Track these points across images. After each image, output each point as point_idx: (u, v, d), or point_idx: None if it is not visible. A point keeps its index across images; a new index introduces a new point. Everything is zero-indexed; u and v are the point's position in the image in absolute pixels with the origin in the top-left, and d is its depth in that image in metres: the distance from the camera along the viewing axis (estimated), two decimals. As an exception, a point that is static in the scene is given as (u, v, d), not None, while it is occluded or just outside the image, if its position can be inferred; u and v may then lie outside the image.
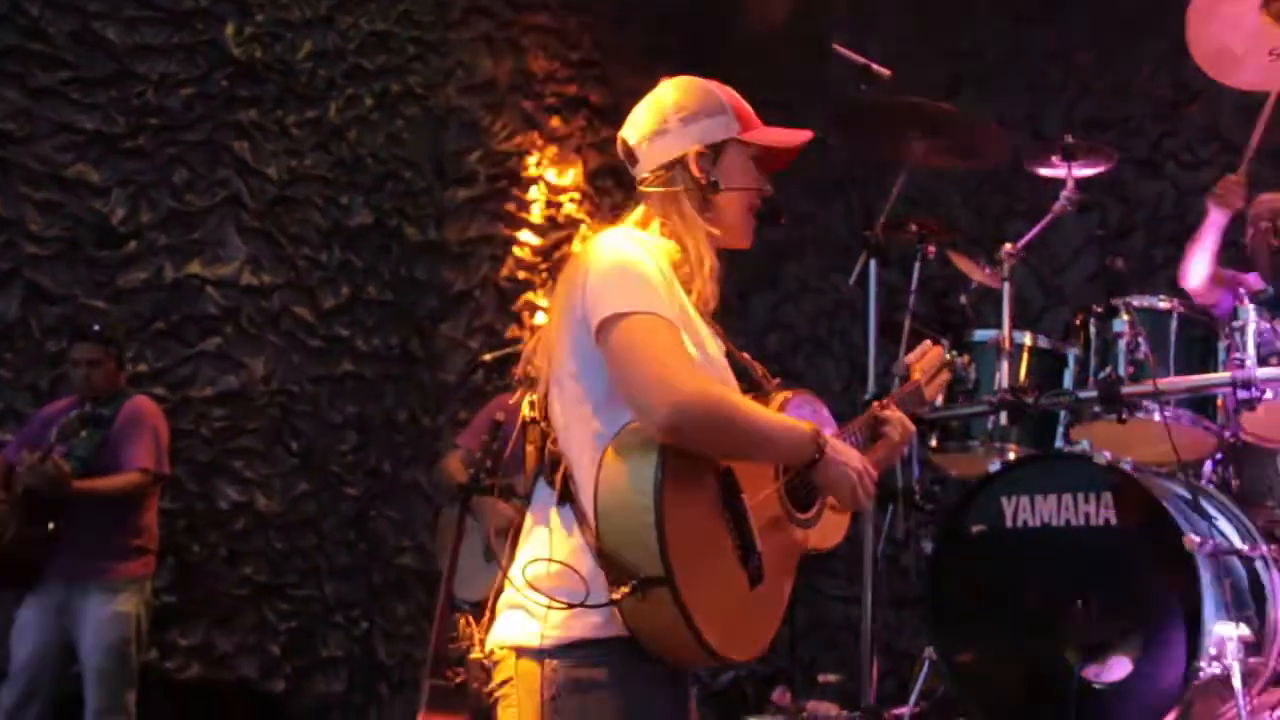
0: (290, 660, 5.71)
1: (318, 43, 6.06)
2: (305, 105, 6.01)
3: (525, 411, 2.11)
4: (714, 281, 2.14)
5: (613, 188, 6.59)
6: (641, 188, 2.18)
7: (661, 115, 2.16)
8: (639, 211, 2.17)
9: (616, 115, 7.12)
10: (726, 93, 2.20)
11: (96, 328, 4.91)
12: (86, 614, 4.61)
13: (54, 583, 4.61)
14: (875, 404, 2.35)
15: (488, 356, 4.45)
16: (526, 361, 2.13)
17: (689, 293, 2.08)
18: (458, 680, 3.42)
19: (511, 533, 3.96)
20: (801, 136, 2.22)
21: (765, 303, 6.85)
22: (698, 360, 2.00)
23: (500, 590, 2.07)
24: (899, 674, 5.52)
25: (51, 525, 4.56)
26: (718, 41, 6.33)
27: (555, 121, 6.71)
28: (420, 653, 5.83)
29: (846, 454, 2.10)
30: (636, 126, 2.19)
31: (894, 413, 2.31)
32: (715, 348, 2.11)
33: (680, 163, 2.14)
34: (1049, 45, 6.30)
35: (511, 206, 6.50)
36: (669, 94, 2.19)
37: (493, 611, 2.09)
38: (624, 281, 1.97)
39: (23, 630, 4.64)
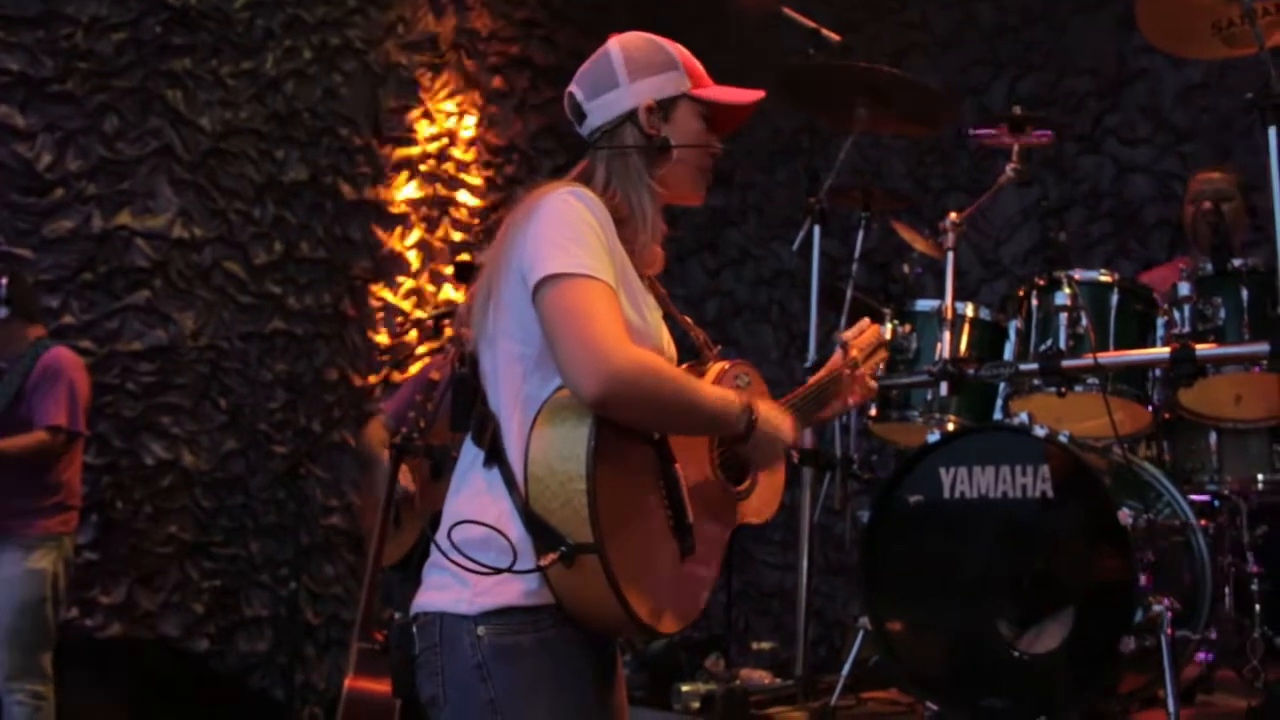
0: (214, 619, 5.65)
1: (256, -8, 5.92)
2: (241, 56, 5.90)
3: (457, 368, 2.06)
4: (658, 242, 2.10)
5: (555, 149, 6.53)
6: (589, 144, 2.11)
7: (610, 70, 2.10)
8: (585, 167, 2.10)
9: (560, 76, 7.08)
10: (677, 49, 2.15)
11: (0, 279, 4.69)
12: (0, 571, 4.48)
13: (-35, 540, 4.47)
14: (819, 373, 2.32)
15: (424, 316, 4.37)
16: (461, 319, 2.06)
17: (631, 253, 2.03)
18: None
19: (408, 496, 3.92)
20: (753, 95, 2.16)
21: (705, 268, 6.82)
22: (635, 325, 1.95)
23: (426, 553, 2.02)
24: (830, 642, 5.57)
25: None
26: (666, 4, 6.26)
27: (497, 81, 6.63)
28: (347, 613, 5.80)
29: (777, 425, 2.06)
30: (585, 81, 2.13)
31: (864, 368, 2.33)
32: (654, 313, 2.06)
33: (629, 118, 2.08)
34: (995, 19, 6.30)
35: (450, 167, 6.41)
36: (618, 49, 2.12)
37: (419, 575, 2.03)
38: (564, 241, 1.90)
39: (-66, 589, 4.50)
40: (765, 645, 4.32)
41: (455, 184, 6.41)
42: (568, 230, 1.92)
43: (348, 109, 6.14)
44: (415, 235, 6.27)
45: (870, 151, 6.39)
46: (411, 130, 6.31)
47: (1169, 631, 3.02)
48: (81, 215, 5.48)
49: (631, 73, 2.09)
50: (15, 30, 5.38)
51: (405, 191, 6.28)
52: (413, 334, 6.02)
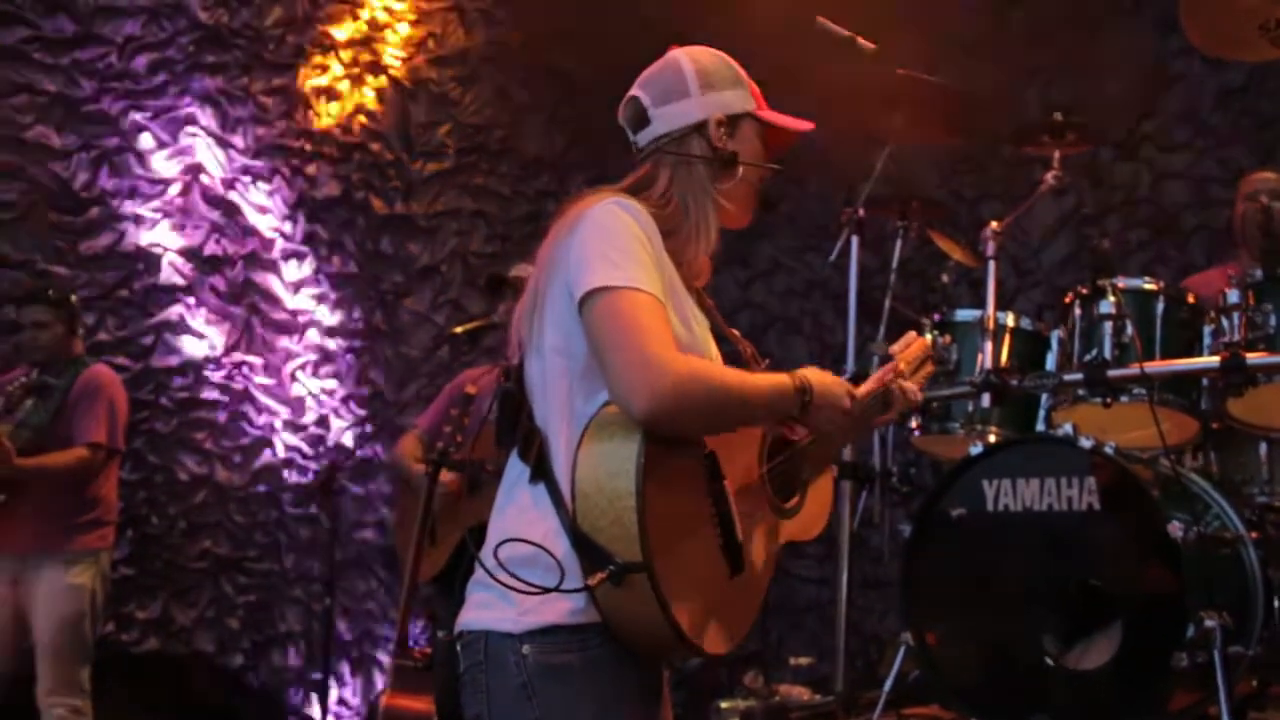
0: (248, 634, 5.65)
1: (286, 9, 5.93)
2: (273, 73, 5.89)
3: (501, 382, 2.02)
4: (709, 256, 2.07)
5: (586, 162, 6.49)
6: (652, 150, 2.08)
7: (681, 80, 2.08)
8: (642, 173, 2.07)
9: (589, 90, 7.03)
10: (740, 68, 2.14)
11: (49, 291, 4.74)
12: (39, 587, 4.48)
13: (7, 555, 4.49)
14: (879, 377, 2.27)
15: (457, 330, 4.34)
16: (516, 329, 2.03)
17: (679, 264, 1.99)
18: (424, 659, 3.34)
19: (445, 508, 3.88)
20: (806, 126, 2.16)
21: (736, 281, 6.78)
22: (682, 339, 1.91)
23: (470, 571, 1.99)
24: (866, 656, 5.50)
25: (3, 497, 4.42)
26: (697, 16, 6.22)
27: (527, 94, 6.60)
28: (380, 629, 5.78)
29: (835, 389, 2.02)
30: (652, 88, 2.10)
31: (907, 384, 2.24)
32: (701, 326, 2.03)
33: (699, 129, 2.06)
34: (1028, 25, 6.23)
35: (480, 179, 6.39)
36: (690, 60, 2.11)
37: (462, 592, 2.00)
38: (611, 252, 1.87)
39: (-26, 604, 4.52)
40: (803, 660, 4.26)
41: (487, 197, 6.40)
42: (615, 242, 1.89)
43: (378, 124, 6.14)
44: (447, 249, 6.26)
45: (902, 162, 6.33)
46: (443, 144, 6.30)
47: (1221, 648, 2.96)
48: (116, 233, 5.51)
49: (704, 85, 2.08)
50: (52, 51, 5.42)
51: (436, 205, 6.26)
52: (445, 349, 6.01)
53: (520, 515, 1.90)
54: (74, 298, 4.80)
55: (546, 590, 1.79)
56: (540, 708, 1.85)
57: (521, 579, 1.79)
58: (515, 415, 1.97)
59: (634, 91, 2.13)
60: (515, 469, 1.96)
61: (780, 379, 1.97)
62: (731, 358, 2.09)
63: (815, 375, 2.01)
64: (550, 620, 1.84)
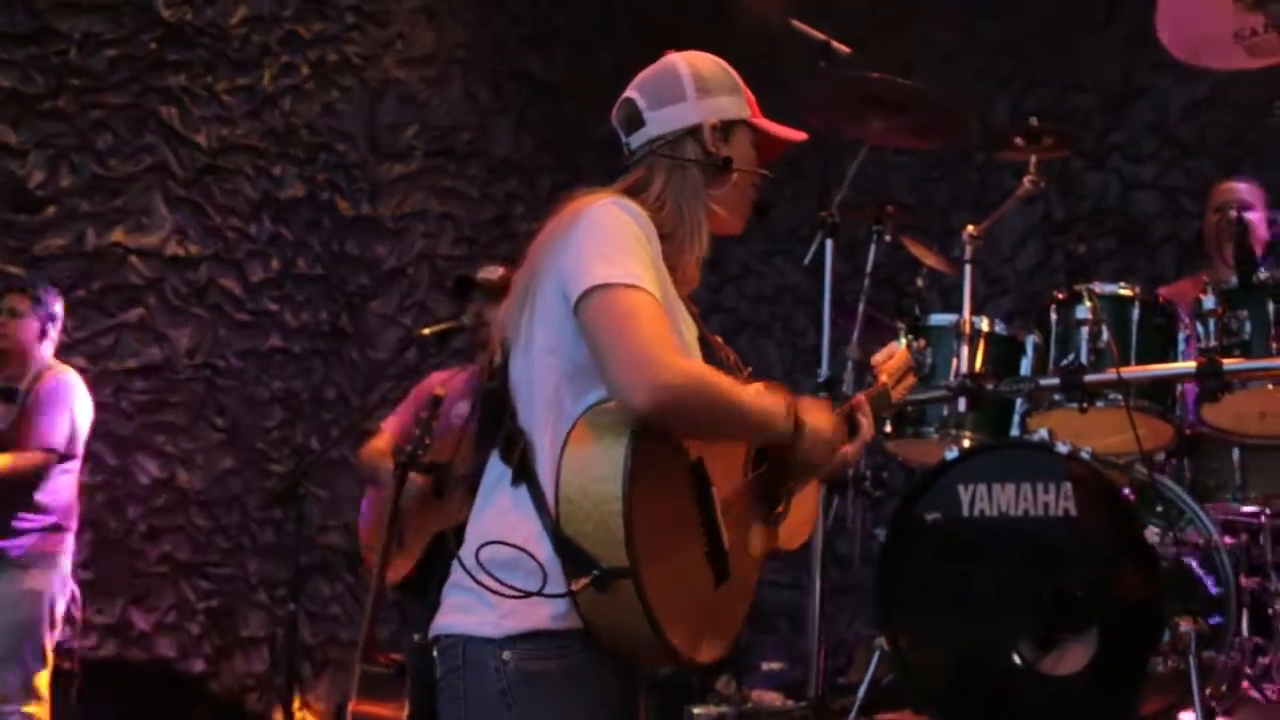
0: (210, 640, 5.57)
1: (252, 7, 5.87)
2: (237, 72, 5.82)
3: (483, 382, 1.99)
4: (699, 261, 2.05)
5: (555, 165, 6.45)
6: (646, 153, 2.06)
7: (678, 83, 2.07)
8: (636, 176, 2.05)
9: (558, 92, 6.98)
10: (736, 74, 2.13)
11: (36, 287, 4.70)
12: (-6, 592, 4.41)
13: (-40, 560, 4.41)
14: (856, 397, 2.25)
15: (425, 331, 4.29)
16: (500, 327, 1.98)
17: (673, 269, 1.97)
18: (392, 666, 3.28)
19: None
20: (799, 135, 2.17)
21: (707, 285, 6.75)
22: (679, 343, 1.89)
23: (446, 574, 1.94)
24: (835, 661, 5.48)
25: None
26: (667, 20, 6.21)
27: (496, 97, 6.56)
28: (345, 634, 5.71)
29: (822, 425, 2.02)
30: (647, 90, 2.09)
31: (867, 411, 2.22)
32: (691, 332, 2.00)
33: (694, 133, 2.05)
34: (999, 35, 6.27)
35: (448, 182, 6.34)
36: (686, 64, 2.10)
37: (437, 596, 1.95)
38: (610, 251, 1.85)
39: (-71, 609, 4.44)
40: (775, 665, 4.24)
41: (454, 199, 6.34)
42: (613, 240, 1.87)
43: (345, 125, 6.07)
44: (414, 251, 6.20)
45: (874, 168, 6.34)
46: (410, 146, 6.24)
47: (1197, 654, 2.96)
48: (74, 233, 5.41)
49: (700, 90, 2.07)
50: (7, 47, 5.32)
51: (403, 207, 6.20)
52: (412, 351, 5.95)
53: (501, 518, 1.86)
54: (60, 305, 4.74)
55: (529, 594, 1.75)
56: (520, 715, 1.81)
57: (503, 582, 1.75)
58: (498, 416, 1.93)
59: (629, 93, 2.11)
60: (496, 470, 1.92)
61: (777, 404, 1.96)
62: (714, 361, 2.06)
63: (812, 414, 2.01)
64: (532, 625, 1.81)
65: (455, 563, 1.90)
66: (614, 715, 1.89)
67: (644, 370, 1.76)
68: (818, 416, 2.02)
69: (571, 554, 1.75)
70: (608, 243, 1.86)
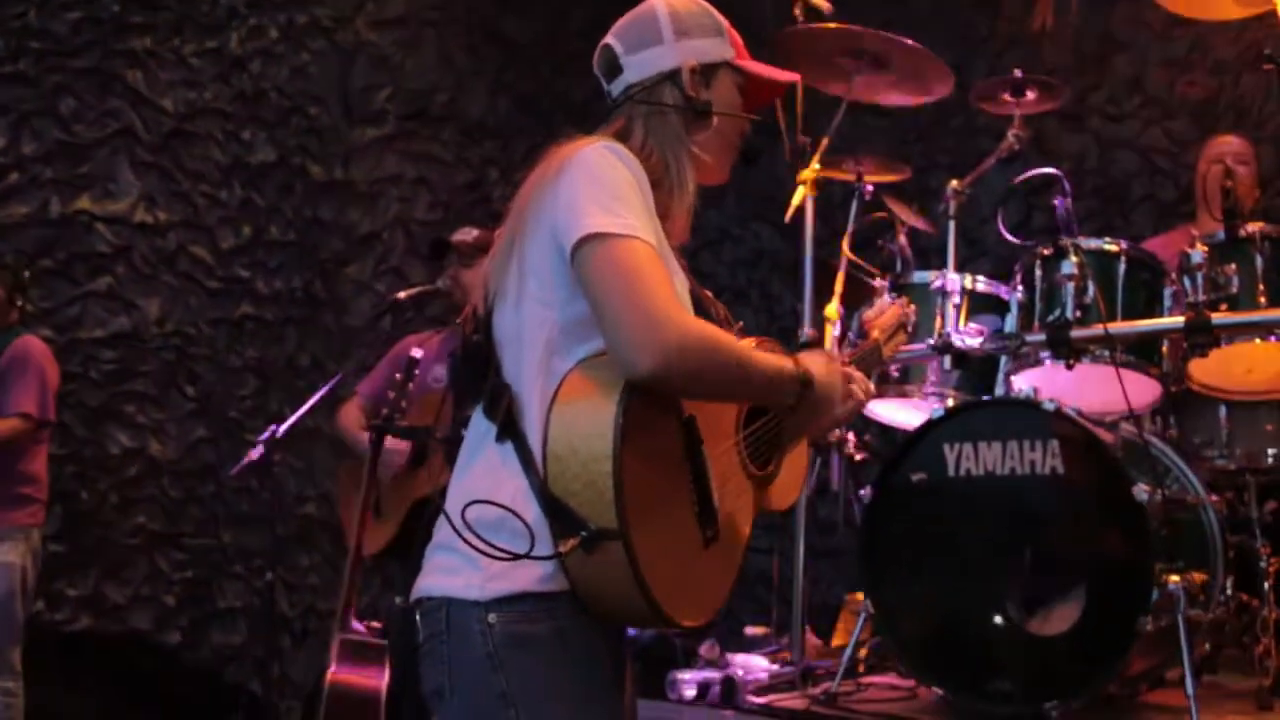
0: (186, 612, 5.52)
1: (220, -32, 5.74)
2: (205, 34, 5.71)
3: (465, 335, 1.92)
4: (689, 212, 1.97)
5: (531, 126, 6.36)
6: (624, 100, 1.99)
7: (655, 26, 2.00)
8: (617, 125, 1.97)
9: (534, 53, 6.84)
10: (720, 16, 2.05)
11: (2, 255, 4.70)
12: (-35, 566, 4.36)
13: (-68, 533, 4.36)
14: (841, 357, 2.20)
15: (401, 295, 4.23)
16: (485, 278, 1.91)
17: (664, 218, 1.89)
18: (373, 633, 3.22)
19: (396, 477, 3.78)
20: (789, 76, 2.08)
21: (683, 249, 6.69)
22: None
23: (429, 536, 1.88)
24: (821, 625, 5.46)
25: None
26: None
27: (470, 58, 6.45)
28: (324, 604, 5.65)
29: (832, 377, 1.98)
30: (624, 35, 2.02)
31: (856, 370, 2.17)
32: (682, 283, 1.93)
33: (672, 77, 1.97)
34: (975, -6, 6.21)
35: (422, 146, 6.24)
36: (665, 6, 2.02)
37: (418, 558, 1.89)
38: (605, 198, 1.77)
39: (-99, 582, 4.40)
40: (759, 630, 4.20)
41: (429, 163, 6.25)
42: (608, 186, 1.79)
43: (317, 88, 5.96)
44: (389, 216, 6.11)
45: (852, 129, 6.27)
46: (383, 110, 6.14)
47: (1185, 611, 2.93)
48: (38, 200, 5.30)
49: (678, 31, 1.99)
50: (-37, 10, 5.21)
51: (377, 171, 6.11)
52: (388, 318, 5.87)
53: (486, 476, 1.80)
54: (26, 272, 4.73)
55: (516, 556, 1.68)
56: (507, 679, 1.76)
57: (490, 543, 1.69)
58: (481, 369, 1.86)
59: (607, 39, 2.04)
60: (480, 426, 1.85)
61: (784, 363, 1.90)
62: (703, 314, 2.00)
63: (820, 367, 1.95)
64: (519, 587, 1.75)
65: (439, 523, 1.84)
66: (603, 678, 1.84)
67: (651, 330, 1.70)
68: (822, 368, 1.97)
69: (559, 514, 1.70)
70: (602, 189, 1.78)
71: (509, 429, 1.79)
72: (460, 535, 1.73)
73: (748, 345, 1.94)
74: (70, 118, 5.39)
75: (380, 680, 3.11)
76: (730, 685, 3.33)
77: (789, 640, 3.78)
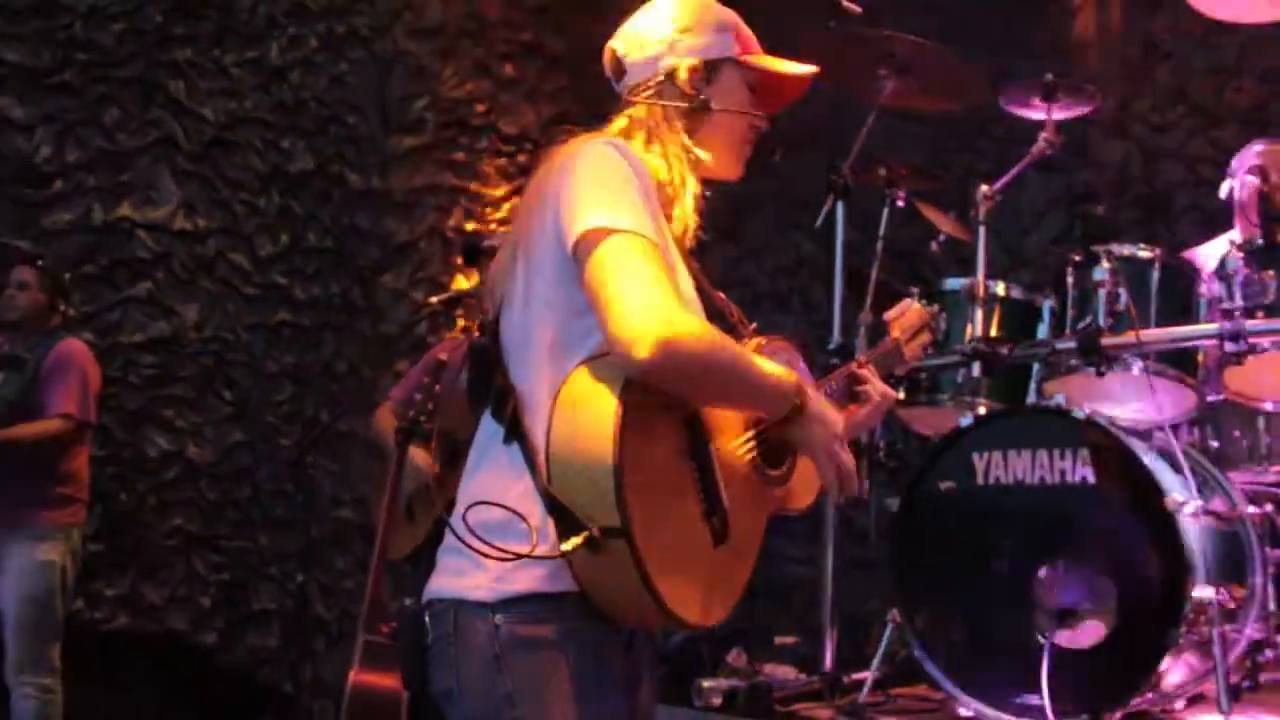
0: (222, 613, 5.57)
1: (260, -22, 5.81)
2: (245, 45, 5.78)
3: (474, 336, 1.91)
4: (696, 212, 1.95)
5: (568, 135, 6.37)
6: (630, 99, 1.99)
7: (655, 25, 2.00)
8: (621, 124, 1.97)
9: (571, 63, 6.85)
10: (728, 13, 2.04)
11: (40, 261, 4.75)
12: (8, 563, 4.45)
13: (-25, 531, 4.44)
14: (852, 362, 2.17)
15: (434, 300, 4.25)
16: (492, 282, 1.91)
17: (668, 217, 1.89)
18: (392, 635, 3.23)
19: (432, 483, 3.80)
20: (804, 70, 2.05)
21: (726, 257, 6.69)
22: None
23: (441, 537, 1.88)
24: (854, 637, 5.41)
25: None
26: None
27: (508, 68, 6.48)
28: (359, 607, 5.68)
29: (828, 415, 1.91)
30: (627, 36, 2.02)
31: (872, 373, 2.14)
32: (688, 282, 1.91)
33: (671, 76, 1.96)
34: (1017, 2, 6.15)
35: (460, 155, 6.27)
36: (668, 5, 2.02)
37: (431, 560, 1.89)
38: (609, 194, 1.76)
39: (-56, 580, 4.49)
40: (789, 640, 4.17)
41: (466, 173, 6.28)
42: (609, 183, 1.78)
43: (355, 97, 6.01)
44: (425, 224, 6.14)
45: (889, 136, 6.22)
46: (421, 119, 6.18)
47: (1219, 625, 2.87)
48: (81, 207, 5.39)
49: (678, 31, 1.99)
50: (13, 21, 5.29)
51: (414, 180, 6.14)
52: (423, 325, 5.90)
53: (493, 477, 1.80)
54: (67, 276, 4.80)
55: (519, 556, 1.67)
56: (513, 680, 1.75)
57: (494, 544, 1.68)
58: (489, 372, 1.86)
59: (612, 41, 2.04)
60: (489, 428, 1.85)
61: (782, 373, 1.86)
62: (716, 315, 1.98)
63: (817, 402, 1.90)
64: (525, 588, 1.74)
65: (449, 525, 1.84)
66: (613, 682, 1.82)
67: (644, 324, 1.68)
68: (823, 408, 1.91)
69: (562, 514, 1.69)
70: (604, 186, 1.78)
71: (515, 430, 1.79)
72: (460, 539, 1.72)
73: (751, 346, 1.93)
74: (113, 127, 5.48)
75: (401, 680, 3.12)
76: (756, 693, 3.31)
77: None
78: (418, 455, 3.69)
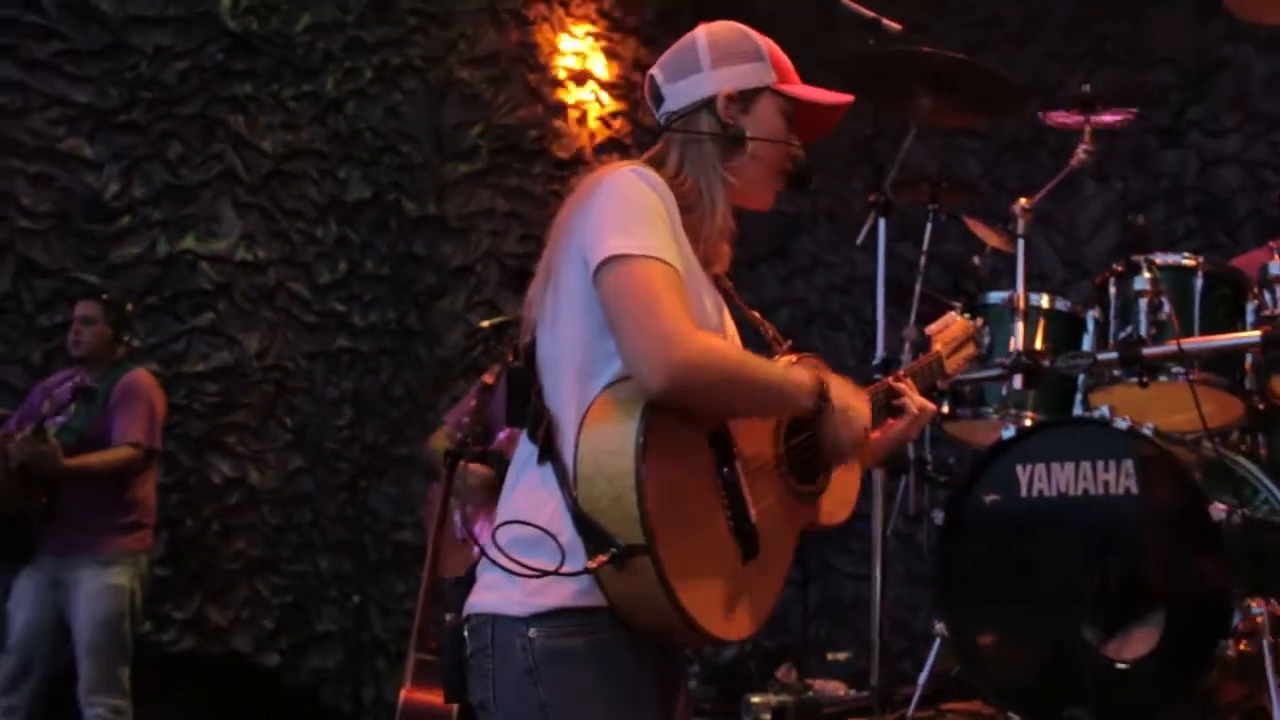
0: (284, 635, 5.66)
1: (315, 14, 5.94)
2: (302, 78, 5.90)
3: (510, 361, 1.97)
4: (726, 238, 2.00)
5: (620, 160, 6.43)
6: (667, 127, 2.03)
7: (694, 55, 2.03)
8: (658, 151, 2.01)
9: (622, 89, 6.92)
10: (766, 42, 2.06)
11: (105, 295, 4.88)
12: (79, 588, 4.54)
13: (48, 556, 4.54)
14: (890, 376, 2.18)
15: (485, 323, 4.31)
16: (528, 307, 1.96)
17: (695, 243, 1.93)
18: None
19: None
20: (840, 98, 2.07)
21: (776, 275, 6.70)
22: (698, 317, 1.85)
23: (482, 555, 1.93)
24: (915, 654, 5.37)
25: (45, 499, 4.49)
26: (724, 12, 6.16)
27: (560, 94, 6.56)
28: (417, 628, 5.76)
29: (854, 403, 1.95)
30: (667, 65, 2.06)
31: (910, 386, 2.15)
32: (713, 305, 1.96)
33: (708, 105, 2.00)
34: (1069, 13, 6.11)
35: (514, 181, 6.36)
36: (705, 35, 2.05)
37: (472, 577, 1.95)
38: (627, 221, 1.82)
39: (18, 604, 4.59)
40: (840, 656, 4.16)
41: (520, 197, 6.36)
42: (631, 210, 1.83)
43: (409, 126, 6.12)
44: (481, 250, 6.22)
45: (944, 151, 6.23)
46: (475, 145, 6.27)
47: (1270, 637, 2.83)
48: (147, 241, 5.52)
49: (715, 60, 2.01)
50: (83, 63, 5.45)
51: (469, 206, 6.23)
52: (480, 349, 5.97)
53: (528, 496, 1.85)
54: (129, 306, 4.90)
55: (545, 573, 1.73)
56: (547, 693, 1.79)
57: (524, 561, 1.73)
58: (524, 394, 1.91)
59: (652, 70, 2.08)
60: (525, 449, 1.91)
61: (800, 373, 1.90)
62: (751, 340, 2.02)
63: (839, 385, 1.94)
64: (556, 603, 1.79)
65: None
66: (644, 696, 1.85)
67: (659, 347, 1.73)
68: (849, 396, 1.96)
69: (590, 531, 1.73)
70: (626, 212, 1.83)
71: (548, 451, 1.84)
72: (488, 557, 1.78)
73: (779, 362, 1.95)
74: (177, 162, 5.61)
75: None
76: (805, 709, 3.31)
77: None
78: (477, 472, 3.74)
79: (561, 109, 6.54)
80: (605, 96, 6.69)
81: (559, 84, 6.56)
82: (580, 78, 6.62)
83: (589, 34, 6.69)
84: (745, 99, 2.01)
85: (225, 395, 5.61)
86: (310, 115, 5.90)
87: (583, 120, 6.60)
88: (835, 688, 3.63)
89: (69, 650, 4.56)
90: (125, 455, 4.60)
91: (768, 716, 3.35)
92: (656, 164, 1.98)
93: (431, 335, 6.08)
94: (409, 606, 5.82)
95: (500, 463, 3.74)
